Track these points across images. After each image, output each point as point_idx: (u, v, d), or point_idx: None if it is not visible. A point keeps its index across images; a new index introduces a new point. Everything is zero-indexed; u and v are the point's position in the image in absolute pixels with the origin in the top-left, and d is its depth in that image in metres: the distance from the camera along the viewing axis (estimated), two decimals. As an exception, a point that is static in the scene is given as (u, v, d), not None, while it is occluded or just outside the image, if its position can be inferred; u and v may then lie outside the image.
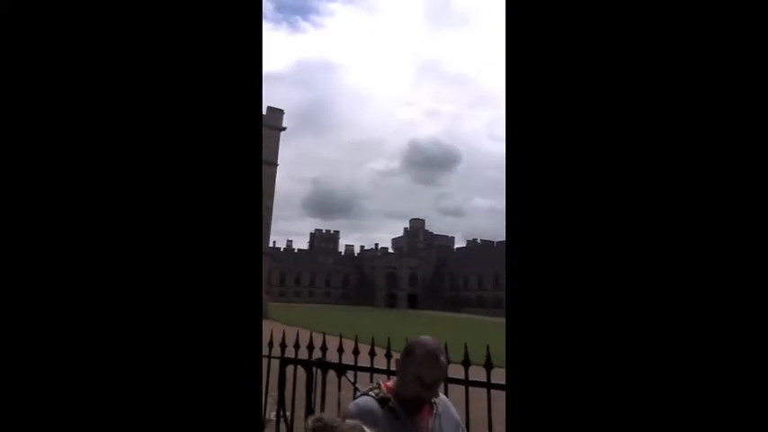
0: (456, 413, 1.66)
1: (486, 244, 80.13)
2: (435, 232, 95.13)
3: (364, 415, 1.39)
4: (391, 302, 77.16)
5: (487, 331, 22.16)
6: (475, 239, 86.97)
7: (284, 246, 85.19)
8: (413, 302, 77.46)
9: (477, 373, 2.19)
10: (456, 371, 2.09)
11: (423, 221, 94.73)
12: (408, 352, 1.50)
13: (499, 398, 1.93)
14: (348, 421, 1.25)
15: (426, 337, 1.55)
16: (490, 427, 2.15)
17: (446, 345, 1.64)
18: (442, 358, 1.48)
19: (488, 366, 2.12)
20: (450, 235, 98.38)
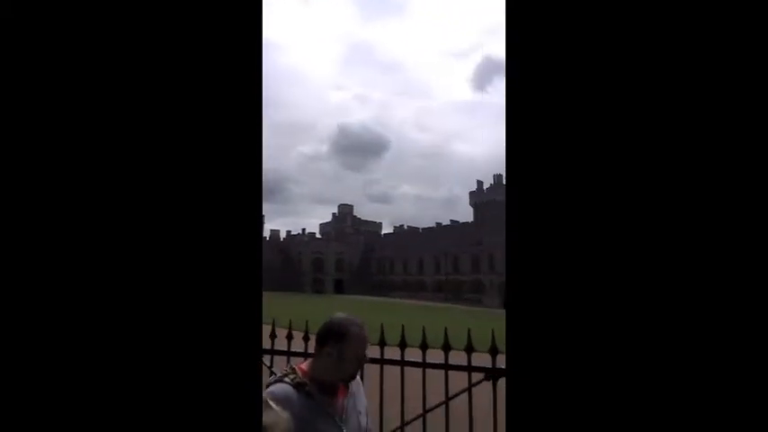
0: (364, 392, 1.69)
1: (413, 230, 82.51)
2: (363, 218, 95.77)
3: (280, 402, 1.39)
4: (318, 288, 76.76)
5: (411, 314, 23.04)
6: (402, 225, 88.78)
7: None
8: (339, 287, 77.64)
9: (395, 353, 2.39)
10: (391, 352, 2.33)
11: (351, 207, 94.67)
12: (342, 334, 1.49)
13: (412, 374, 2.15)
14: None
15: (346, 315, 1.57)
16: (402, 401, 2.38)
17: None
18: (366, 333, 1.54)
19: (402, 346, 2.33)
20: (377, 221, 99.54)
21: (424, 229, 78.74)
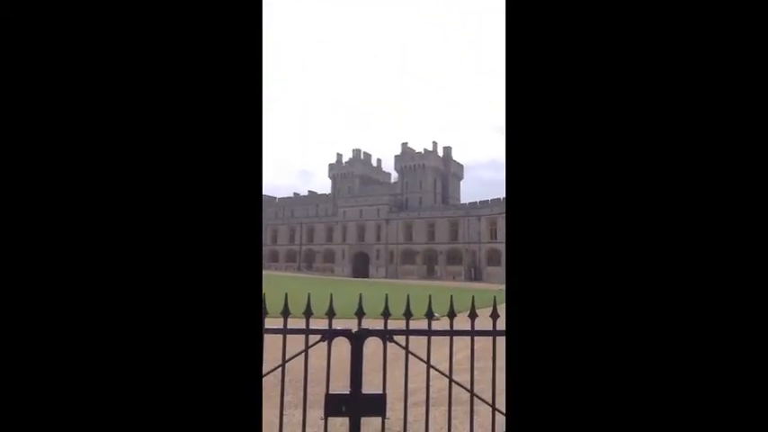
0: None
1: (269, 199, 79.76)
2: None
3: None
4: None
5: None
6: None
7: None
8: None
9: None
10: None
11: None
12: None
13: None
14: None
15: None
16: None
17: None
18: None
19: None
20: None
21: (281, 198, 76.77)
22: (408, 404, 2.28)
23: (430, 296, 2.38)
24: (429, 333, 2.25)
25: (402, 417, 2.28)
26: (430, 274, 52.11)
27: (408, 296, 2.20)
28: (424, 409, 2.24)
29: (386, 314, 2.26)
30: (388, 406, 2.27)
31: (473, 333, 2.26)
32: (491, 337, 2.20)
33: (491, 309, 2.17)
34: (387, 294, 2.30)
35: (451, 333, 2.26)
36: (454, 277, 49.39)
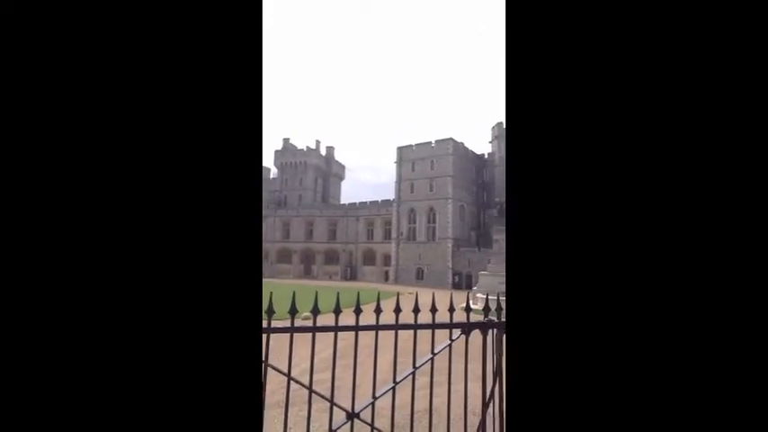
0: None
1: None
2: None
3: None
4: None
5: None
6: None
7: None
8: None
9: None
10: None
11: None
12: None
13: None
14: None
15: None
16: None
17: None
18: None
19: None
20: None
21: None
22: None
23: (338, 293, 2.43)
24: (313, 330, 2.31)
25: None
26: (306, 273, 51.60)
27: (294, 293, 2.22)
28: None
29: (270, 312, 2.25)
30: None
31: (377, 328, 2.37)
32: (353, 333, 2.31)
33: (374, 305, 2.31)
34: (271, 292, 2.29)
35: (336, 329, 2.34)
36: (330, 277, 49.73)
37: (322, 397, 2.03)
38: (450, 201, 44.97)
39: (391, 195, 50.11)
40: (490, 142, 51.54)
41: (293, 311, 2.09)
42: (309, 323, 2.20)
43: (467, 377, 2.18)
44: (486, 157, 51.59)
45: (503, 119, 50.16)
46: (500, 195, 39.91)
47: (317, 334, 2.08)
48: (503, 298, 2.77)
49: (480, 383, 2.35)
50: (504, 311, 2.35)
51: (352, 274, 50.20)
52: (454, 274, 42.45)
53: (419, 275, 45.26)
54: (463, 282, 39.69)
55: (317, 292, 2.44)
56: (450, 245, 43.79)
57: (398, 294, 2.33)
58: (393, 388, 2.06)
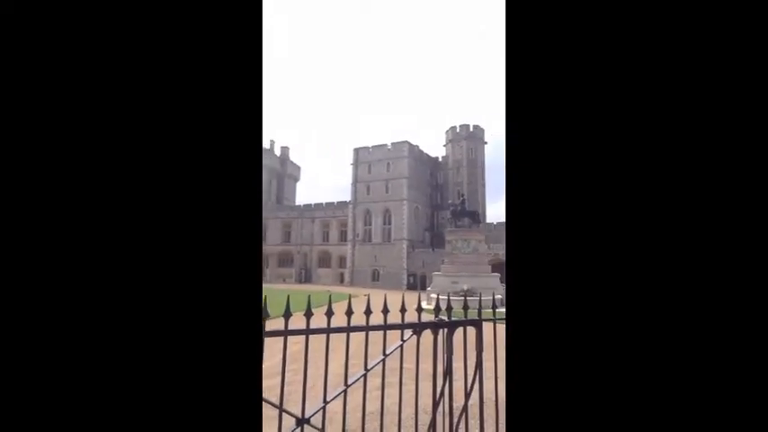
0: None
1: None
2: None
3: None
4: None
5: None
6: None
7: None
8: None
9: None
10: None
11: None
12: None
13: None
14: None
15: None
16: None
17: None
18: None
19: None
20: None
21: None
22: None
23: (288, 296, 2.36)
24: (261, 335, 2.24)
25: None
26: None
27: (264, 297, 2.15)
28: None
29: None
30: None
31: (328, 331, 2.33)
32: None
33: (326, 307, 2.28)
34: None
35: (286, 333, 2.29)
36: (284, 279, 48.74)
37: (271, 404, 1.97)
38: (405, 202, 45.49)
39: (349, 197, 49.98)
40: (444, 146, 52.65)
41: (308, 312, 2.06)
42: (258, 328, 2.13)
43: (418, 377, 2.20)
44: (440, 159, 52.66)
45: (457, 122, 51.51)
46: (452, 197, 40.90)
47: (267, 339, 2.02)
48: (453, 297, 2.85)
49: (431, 383, 2.38)
50: (453, 311, 2.40)
51: (306, 277, 49.46)
52: (409, 275, 42.95)
53: (375, 277, 45.38)
54: (418, 282, 40.23)
55: (265, 297, 2.36)
56: (405, 246, 44.27)
57: (350, 297, 2.32)
58: (344, 391, 2.05)
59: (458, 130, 50.61)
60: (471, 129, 50.44)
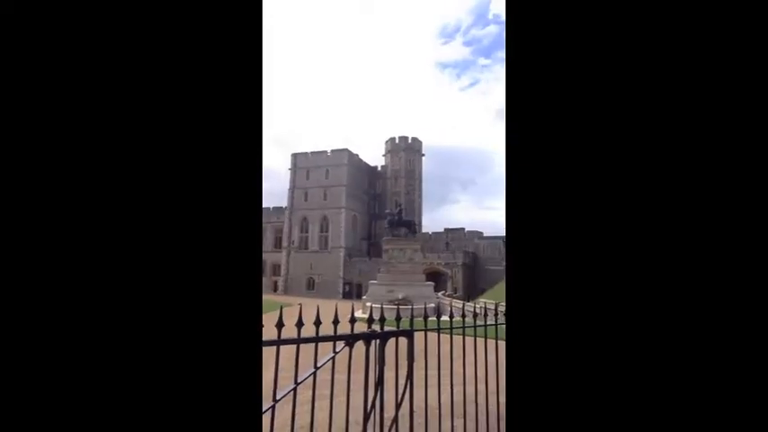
0: None
1: None
2: None
3: None
4: None
5: None
6: None
7: None
8: None
9: None
10: None
11: None
12: None
13: None
14: None
15: None
16: None
17: None
18: None
19: None
20: None
21: None
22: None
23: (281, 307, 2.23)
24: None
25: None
26: (186, 284, 47.20)
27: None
28: None
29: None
30: None
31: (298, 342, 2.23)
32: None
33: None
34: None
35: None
36: (214, 288, 46.20)
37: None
38: (343, 210, 45.34)
39: (285, 203, 48.77)
40: (384, 155, 53.35)
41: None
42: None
43: (349, 389, 2.18)
44: (378, 169, 53.23)
45: (396, 134, 52.51)
46: (390, 207, 41.48)
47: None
48: (388, 306, 2.88)
49: (363, 394, 2.37)
50: (386, 321, 2.42)
51: (238, 285, 47.30)
52: (345, 284, 42.70)
53: (310, 285, 44.57)
54: (354, 291, 40.12)
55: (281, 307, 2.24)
56: (342, 254, 44.01)
57: (282, 308, 2.26)
58: (273, 406, 1.98)
59: (397, 141, 51.55)
60: (410, 140, 51.62)
